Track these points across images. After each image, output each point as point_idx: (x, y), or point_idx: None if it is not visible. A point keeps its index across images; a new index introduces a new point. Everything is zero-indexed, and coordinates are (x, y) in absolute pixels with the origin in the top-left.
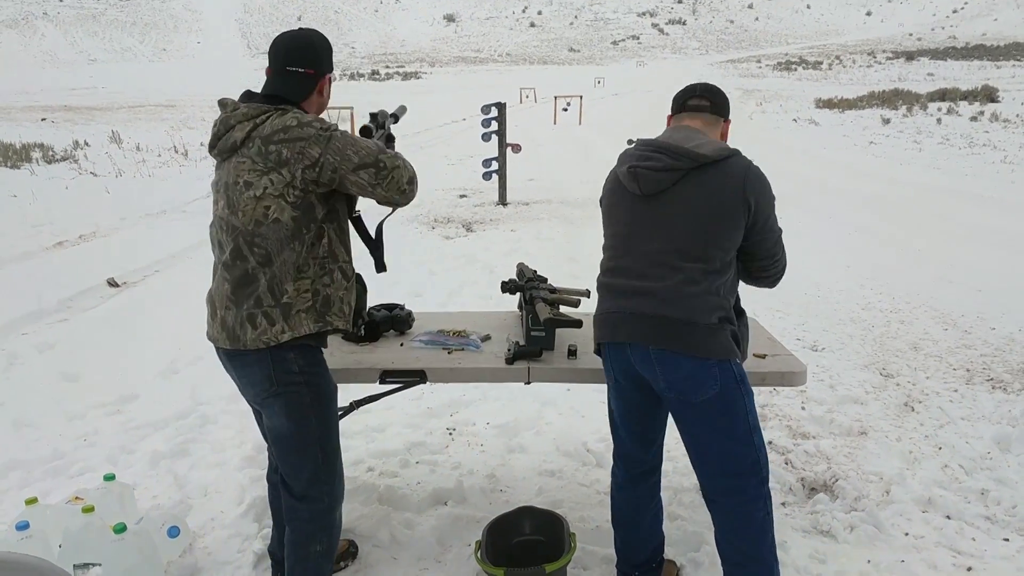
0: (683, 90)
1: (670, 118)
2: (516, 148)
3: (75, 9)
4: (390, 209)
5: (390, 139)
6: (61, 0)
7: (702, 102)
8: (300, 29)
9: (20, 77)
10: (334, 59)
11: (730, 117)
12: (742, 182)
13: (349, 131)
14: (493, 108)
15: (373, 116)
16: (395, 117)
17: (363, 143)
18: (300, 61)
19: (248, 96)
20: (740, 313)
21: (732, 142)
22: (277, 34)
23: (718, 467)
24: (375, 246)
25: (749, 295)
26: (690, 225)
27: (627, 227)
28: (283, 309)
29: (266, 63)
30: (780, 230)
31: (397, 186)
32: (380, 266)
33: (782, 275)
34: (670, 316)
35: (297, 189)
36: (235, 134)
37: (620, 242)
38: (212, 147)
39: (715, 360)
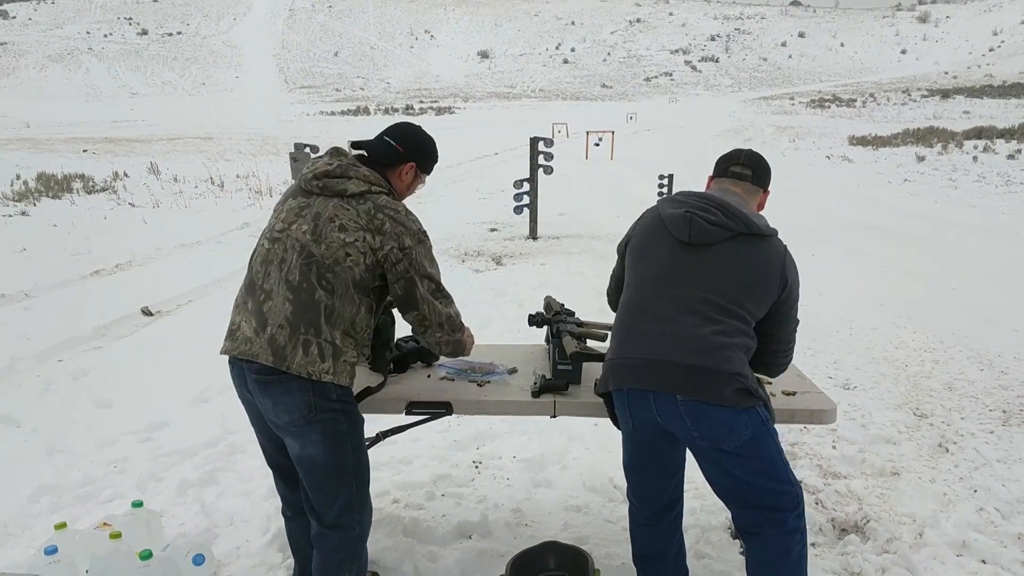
0: (727, 154)
1: (711, 179)
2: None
3: (119, 45)
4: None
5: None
6: (106, 36)
7: (745, 171)
8: (420, 126)
9: (64, 109)
10: (373, 93)
11: (769, 188)
12: (783, 261)
13: None
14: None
15: None
16: None
17: (437, 265)
18: (395, 136)
19: (347, 155)
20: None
21: None
22: (315, 70)
23: (756, 504)
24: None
25: None
26: (728, 282)
27: (664, 269)
28: (335, 350)
29: (302, 97)
30: (798, 323)
31: (449, 307)
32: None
33: (788, 363)
34: (700, 365)
35: (376, 258)
36: (350, 185)
37: (651, 283)
38: (314, 176)
39: (742, 408)
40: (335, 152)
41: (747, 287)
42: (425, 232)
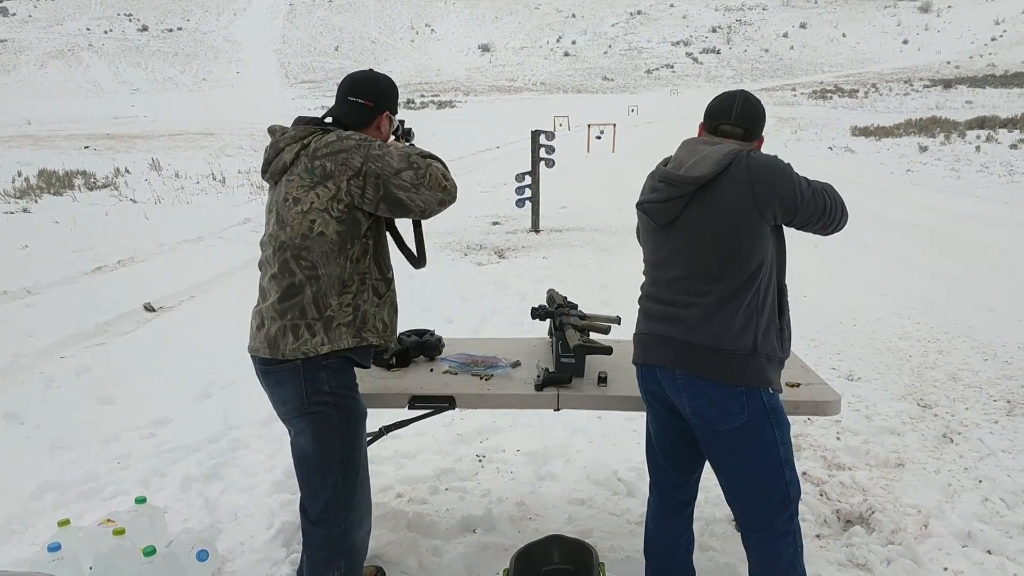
0: (719, 107)
1: (702, 128)
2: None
3: (119, 41)
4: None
5: (408, 133)
6: (106, 32)
7: (736, 130)
8: (371, 69)
9: (65, 106)
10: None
11: (763, 134)
12: (750, 190)
13: None
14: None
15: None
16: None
17: (396, 147)
18: (361, 93)
19: (300, 121)
20: (783, 311)
21: None
22: (316, 64)
23: (747, 498)
24: (416, 244)
25: None
26: (708, 248)
27: (654, 255)
28: (325, 322)
29: (303, 92)
30: (809, 188)
31: (437, 183)
32: (417, 260)
33: (845, 217)
34: (696, 342)
35: (342, 203)
36: (284, 156)
37: (651, 270)
38: (264, 171)
39: (743, 387)
40: (269, 132)
41: (728, 242)
42: (363, 138)
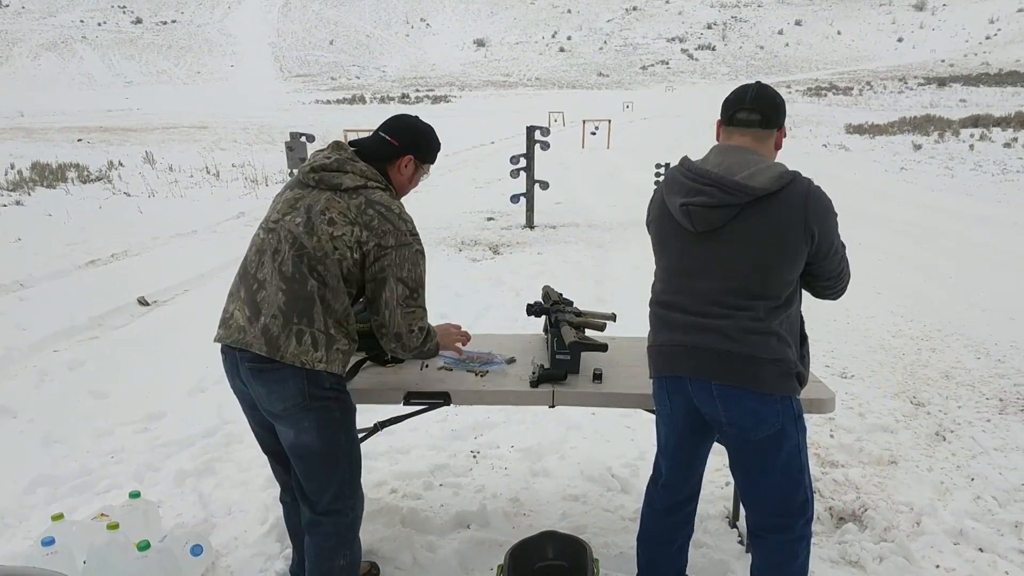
0: (734, 97)
1: (719, 125)
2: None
3: (113, 33)
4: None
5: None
6: (100, 25)
7: (752, 116)
8: (417, 116)
9: (58, 98)
10: (368, 82)
11: (784, 123)
12: (803, 212)
13: None
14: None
15: None
16: None
17: (420, 270)
18: (391, 131)
19: (338, 146)
20: (804, 339)
21: None
22: (311, 58)
23: (770, 504)
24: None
25: None
26: (749, 264)
27: (680, 263)
28: (328, 340)
29: (297, 86)
30: (843, 248)
31: (408, 323)
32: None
33: (846, 288)
34: (735, 352)
35: (362, 252)
36: (345, 179)
37: (673, 278)
38: (312, 171)
39: (778, 396)
40: (335, 146)
41: (771, 261)
42: (415, 235)
